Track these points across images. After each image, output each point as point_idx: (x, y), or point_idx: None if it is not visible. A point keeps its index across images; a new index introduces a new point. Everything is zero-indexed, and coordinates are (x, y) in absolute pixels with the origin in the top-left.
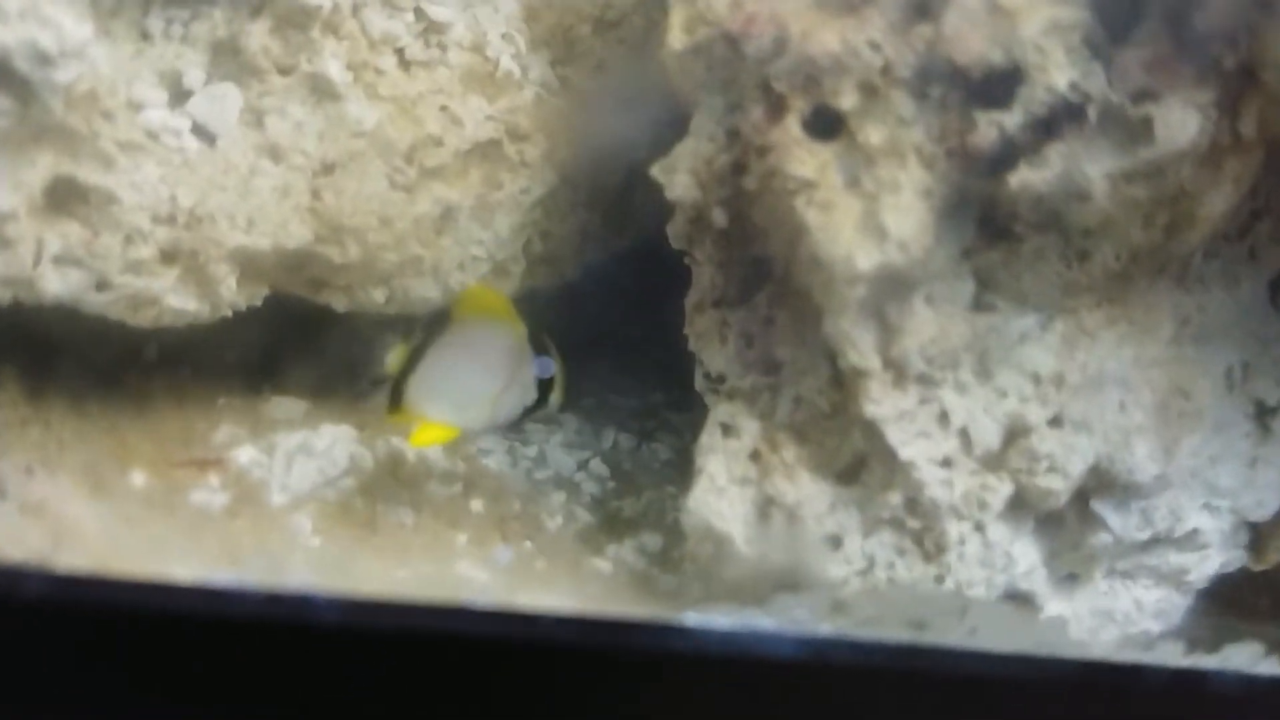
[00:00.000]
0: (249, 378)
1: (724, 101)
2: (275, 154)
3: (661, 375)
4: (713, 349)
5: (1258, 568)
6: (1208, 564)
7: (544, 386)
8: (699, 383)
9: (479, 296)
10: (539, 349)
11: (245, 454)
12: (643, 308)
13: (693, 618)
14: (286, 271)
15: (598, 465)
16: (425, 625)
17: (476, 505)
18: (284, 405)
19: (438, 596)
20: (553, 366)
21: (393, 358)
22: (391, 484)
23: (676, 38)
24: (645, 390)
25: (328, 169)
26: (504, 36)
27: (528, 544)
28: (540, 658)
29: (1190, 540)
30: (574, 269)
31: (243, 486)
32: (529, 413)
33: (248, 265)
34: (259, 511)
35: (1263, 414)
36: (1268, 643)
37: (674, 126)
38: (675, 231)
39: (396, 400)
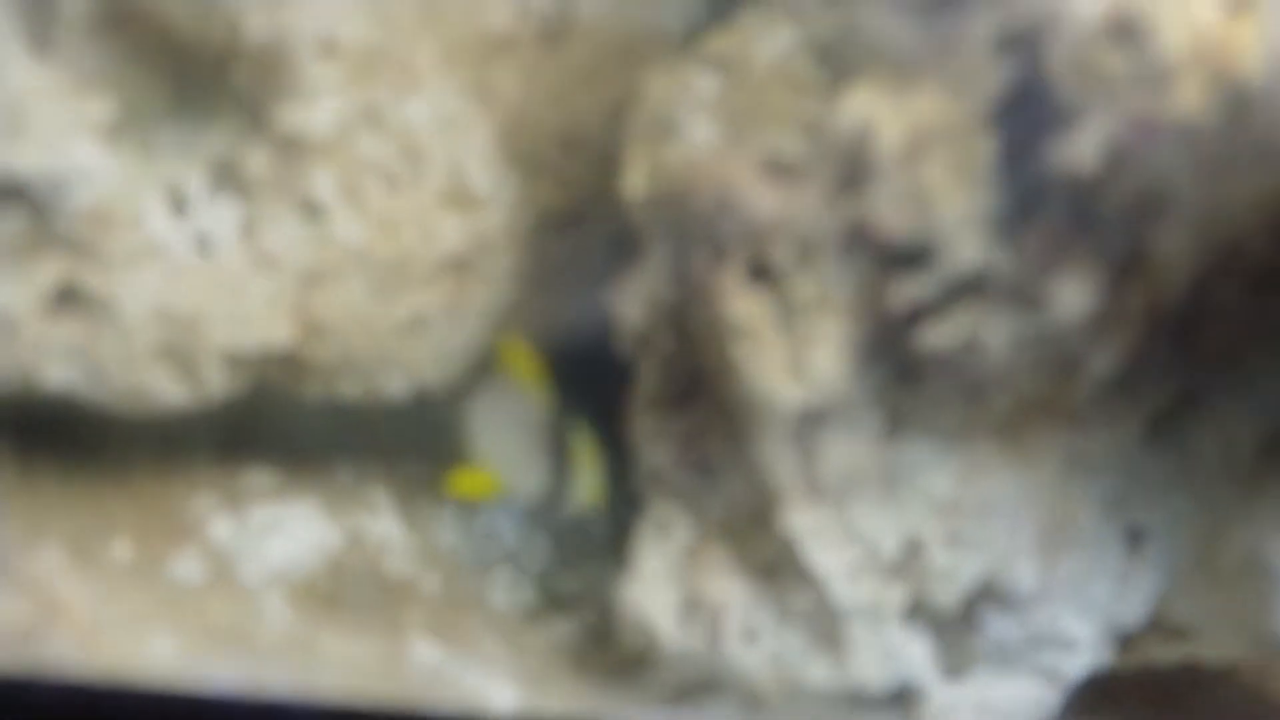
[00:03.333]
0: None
1: (673, 245)
2: (267, 263)
3: (611, 459)
4: (653, 447)
5: (1126, 668)
6: (1077, 663)
7: (561, 473)
8: (640, 477)
9: (516, 354)
10: (563, 427)
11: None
12: (599, 397)
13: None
14: (270, 366)
15: (540, 539)
16: None
17: (430, 581)
18: (256, 477)
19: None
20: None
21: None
22: (355, 560)
23: (633, 184)
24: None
25: (315, 277)
26: (478, 159)
27: (473, 619)
28: None
29: (1065, 644)
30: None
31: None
32: (550, 496)
33: (236, 362)
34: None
35: (1134, 537)
36: None
37: (629, 239)
38: (628, 342)
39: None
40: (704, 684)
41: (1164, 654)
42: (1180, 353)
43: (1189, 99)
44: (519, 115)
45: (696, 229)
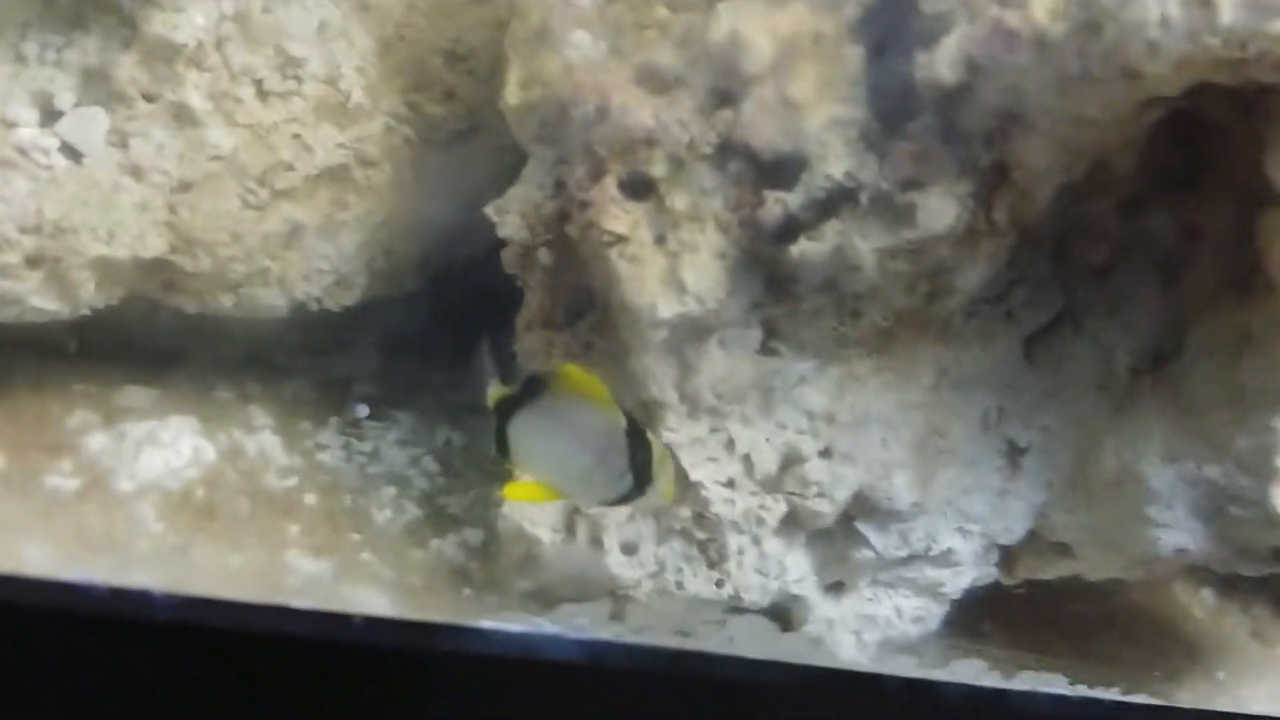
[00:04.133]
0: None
1: (552, 155)
2: (137, 173)
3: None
4: (539, 365)
5: (1009, 582)
6: (961, 579)
7: (639, 474)
8: None
9: (577, 376)
10: (635, 438)
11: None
12: (485, 314)
13: (487, 621)
14: (142, 277)
15: (429, 462)
16: (235, 622)
17: (310, 498)
18: (135, 394)
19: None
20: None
21: (492, 397)
22: (230, 475)
23: (513, 93)
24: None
25: (185, 187)
26: (357, 69)
27: (355, 536)
28: (346, 654)
29: (945, 558)
30: (416, 281)
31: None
32: (625, 499)
33: (106, 271)
34: (107, 497)
35: (1013, 452)
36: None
37: (516, 153)
38: (508, 259)
39: (503, 445)
40: (583, 595)
41: (1047, 570)
42: (1056, 272)
43: (1042, 10)
44: (402, 26)
45: (574, 140)
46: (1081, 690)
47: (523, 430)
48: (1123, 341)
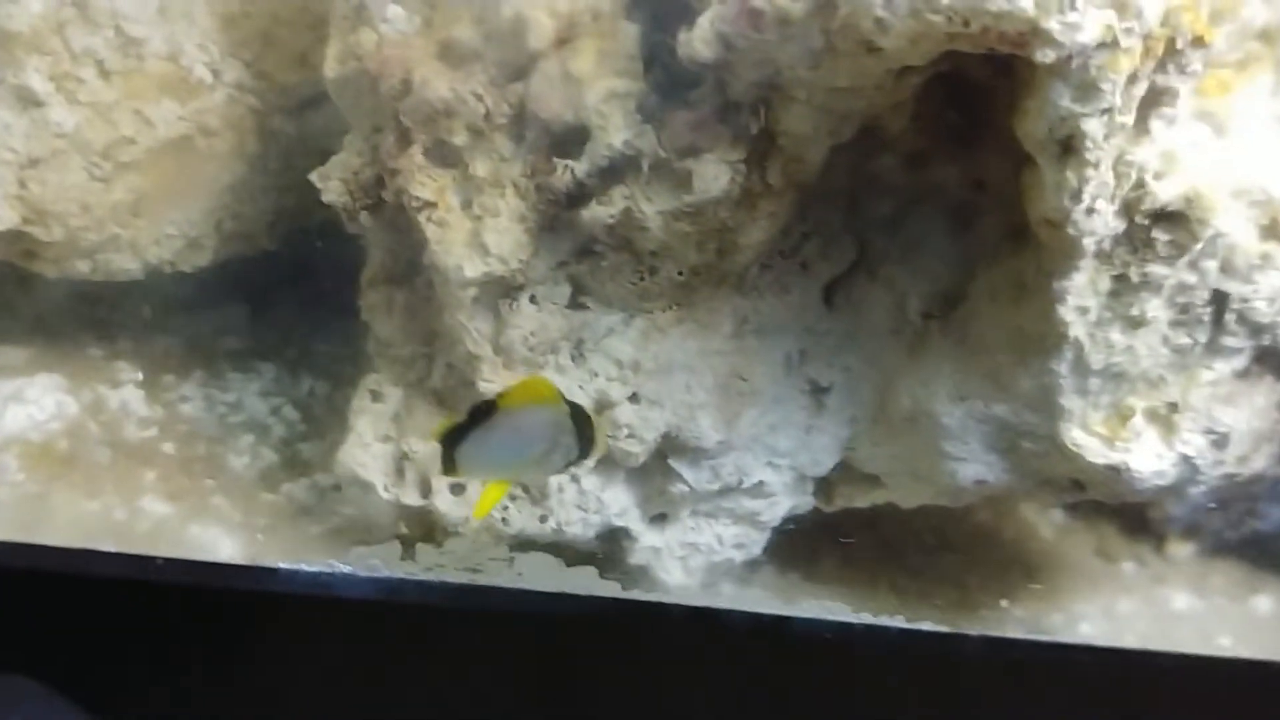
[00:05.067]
0: None
1: (369, 124)
2: None
3: (360, 330)
4: (381, 320)
5: (829, 510)
6: (777, 509)
7: (584, 445)
8: (370, 346)
9: (527, 386)
10: (578, 420)
11: None
12: (343, 270)
13: (284, 564)
14: (1, 246)
15: (289, 410)
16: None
17: (168, 447)
18: (6, 354)
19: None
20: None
21: (435, 431)
22: (92, 427)
23: (331, 66)
24: (344, 343)
25: (33, 163)
26: (198, 46)
27: (209, 482)
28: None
29: (758, 490)
30: (270, 241)
31: None
32: (571, 464)
33: None
34: None
35: (817, 391)
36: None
37: None
38: (347, 221)
39: (449, 464)
40: (421, 534)
41: (861, 499)
42: (849, 225)
43: None
44: (247, 1)
45: (384, 110)
46: (866, 618)
47: (470, 452)
48: (915, 287)
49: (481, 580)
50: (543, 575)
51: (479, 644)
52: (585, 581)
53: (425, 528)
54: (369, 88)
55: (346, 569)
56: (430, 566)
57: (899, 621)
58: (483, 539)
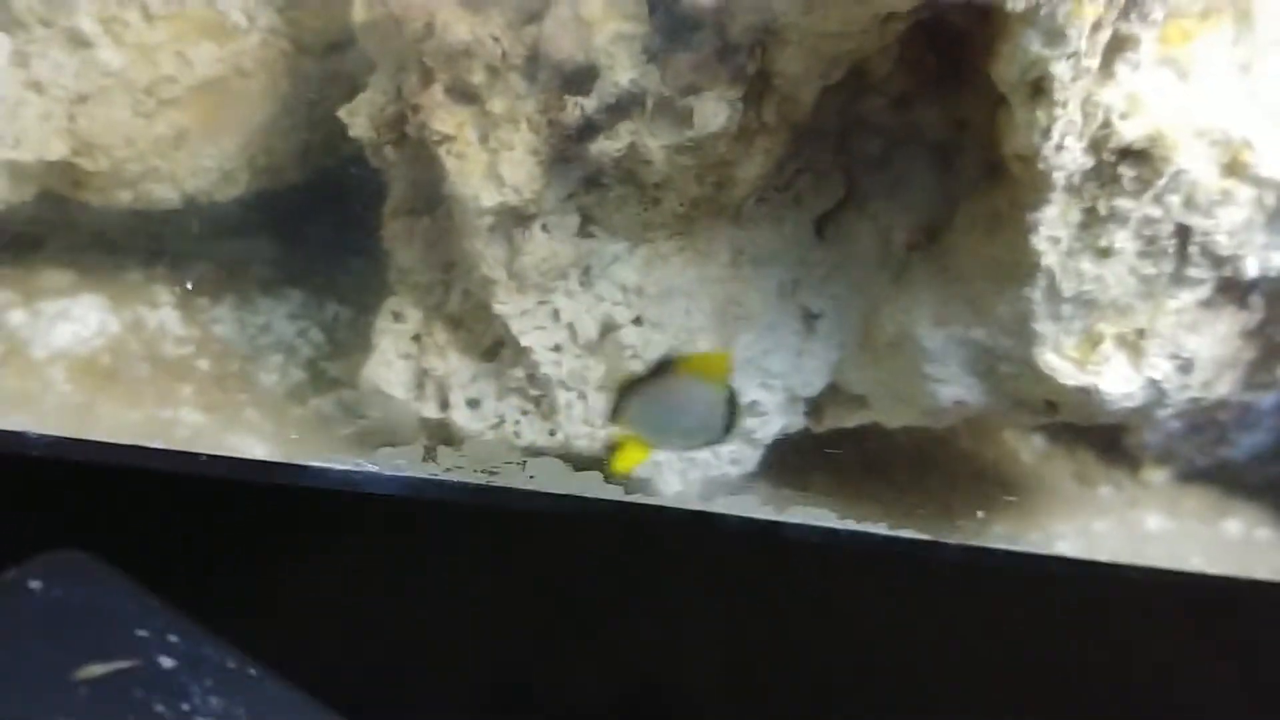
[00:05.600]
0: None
1: (393, 64)
2: (38, 88)
3: (382, 259)
4: (402, 249)
5: (818, 429)
6: (770, 427)
7: (726, 430)
8: (392, 275)
9: (705, 358)
10: (731, 405)
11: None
12: (367, 203)
13: (316, 462)
14: (50, 177)
15: (316, 333)
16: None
17: (204, 364)
18: (53, 277)
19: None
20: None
21: (618, 380)
22: (133, 343)
23: (359, 12)
24: (366, 270)
25: (81, 100)
26: None
27: (242, 396)
28: (196, 486)
29: (753, 409)
30: (299, 175)
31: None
32: (710, 444)
33: (15, 172)
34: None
35: (808, 318)
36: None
37: None
38: (370, 155)
39: (616, 415)
40: (437, 445)
41: (849, 420)
42: (839, 162)
43: None
44: None
45: (408, 52)
46: (850, 524)
47: (636, 406)
48: (899, 220)
49: (497, 482)
50: (552, 479)
51: (494, 540)
52: (590, 486)
53: (443, 438)
54: (394, 31)
55: (373, 467)
56: (450, 468)
57: (881, 528)
58: (468, 447)
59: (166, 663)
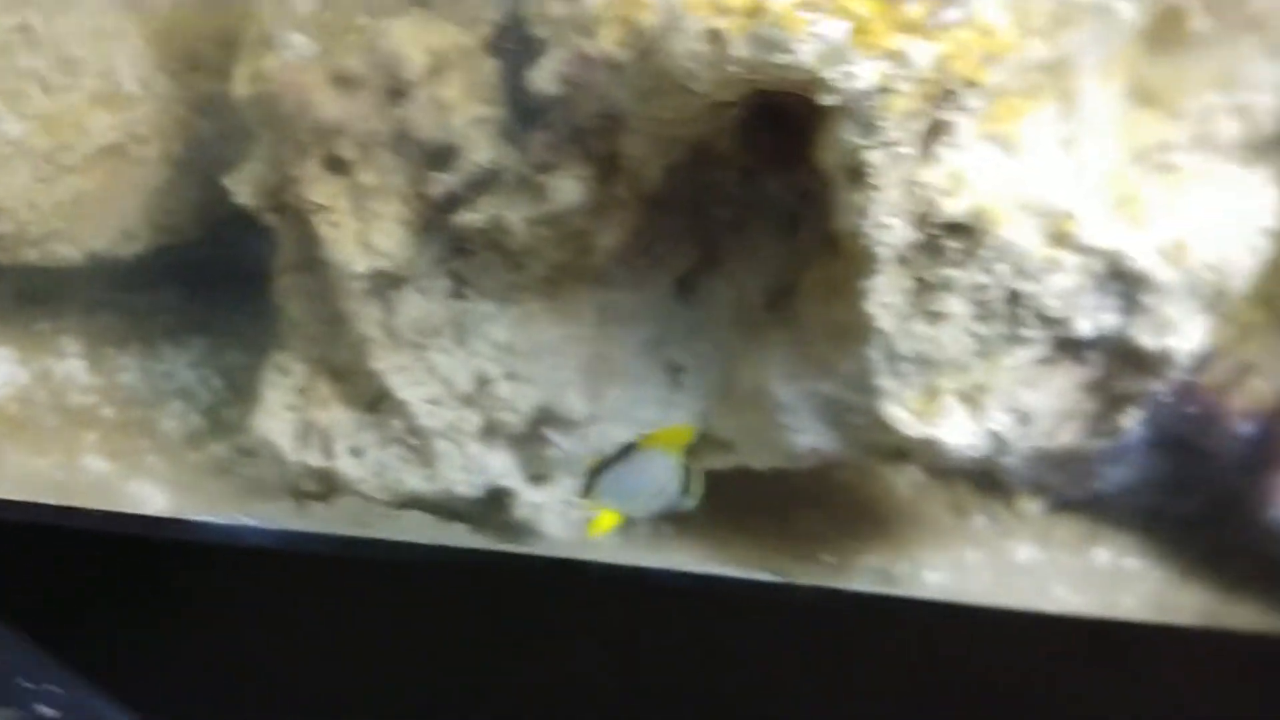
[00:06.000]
0: None
1: (273, 137)
2: None
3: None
4: (292, 303)
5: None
6: None
7: (685, 489)
8: (284, 327)
9: (667, 433)
10: (686, 469)
11: None
12: (264, 257)
13: (197, 515)
14: None
15: (215, 380)
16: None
17: (108, 412)
18: None
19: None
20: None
21: (589, 462)
22: (40, 393)
23: (240, 86)
24: (265, 320)
25: None
26: (129, 62)
27: (145, 442)
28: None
29: None
30: (199, 231)
31: None
32: (671, 508)
33: None
34: None
35: (674, 370)
36: None
37: None
38: (258, 219)
39: (587, 490)
40: (324, 492)
41: (721, 462)
42: (697, 227)
43: (610, 41)
44: (172, 22)
45: (285, 127)
46: (710, 568)
47: (604, 482)
48: (753, 282)
49: (368, 533)
50: (421, 529)
51: (367, 590)
52: (458, 536)
53: (328, 486)
54: (272, 106)
55: (250, 521)
56: (323, 521)
57: (732, 570)
58: (379, 497)
59: (47, 713)
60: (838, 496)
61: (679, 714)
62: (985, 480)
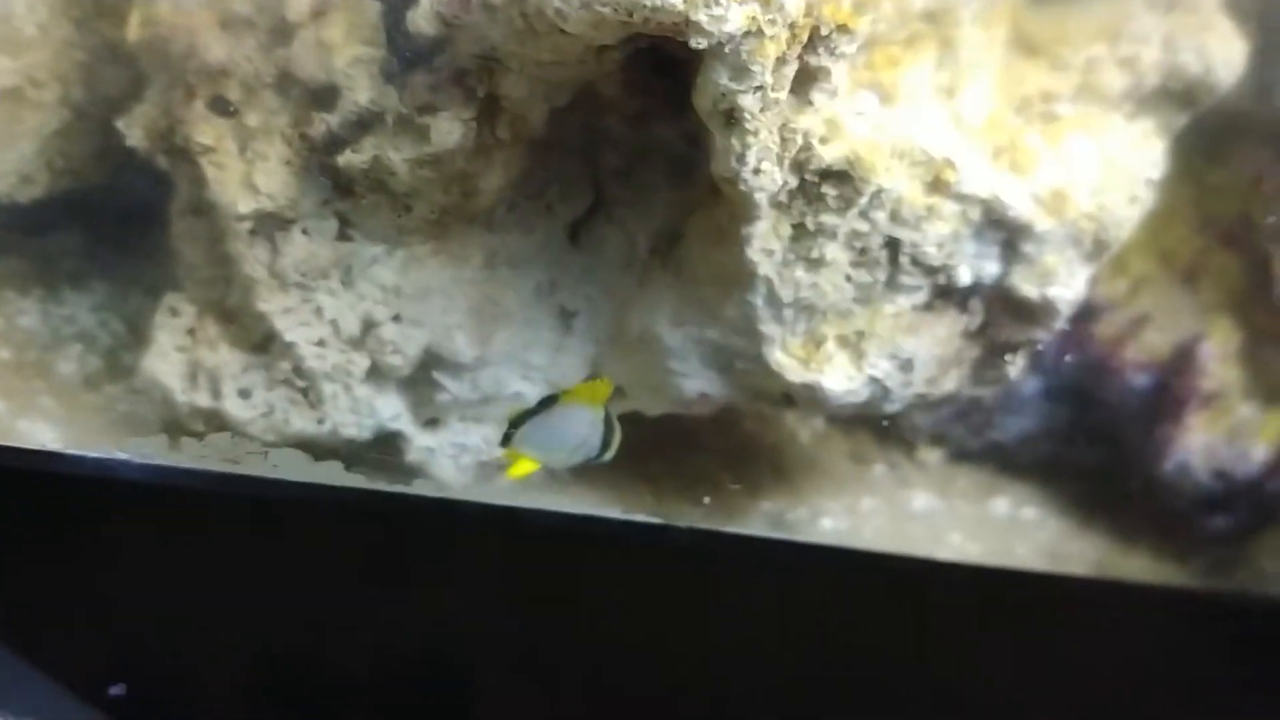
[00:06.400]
0: None
1: (164, 80)
2: None
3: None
4: (187, 247)
5: None
6: None
7: (605, 445)
8: (180, 271)
9: (587, 388)
10: (608, 423)
11: None
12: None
13: (73, 450)
14: None
15: (116, 324)
16: None
17: (4, 354)
18: None
19: None
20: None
21: (509, 412)
22: None
23: (134, 31)
24: (170, 263)
25: None
26: (29, 8)
27: (40, 383)
28: None
29: (516, 399)
30: (99, 176)
31: None
32: (590, 460)
33: None
34: None
35: (565, 315)
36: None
37: None
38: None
39: (507, 440)
40: (215, 429)
41: (613, 408)
42: (586, 174)
43: None
44: None
45: (174, 69)
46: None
47: (523, 434)
48: (643, 228)
49: (240, 470)
50: (294, 468)
51: (244, 526)
52: (332, 474)
53: (216, 426)
54: (162, 49)
55: (124, 455)
56: (197, 456)
57: (615, 513)
58: (267, 438)
59: None
60: (740, 444)
61: (559, 654)
62: (887, 429)
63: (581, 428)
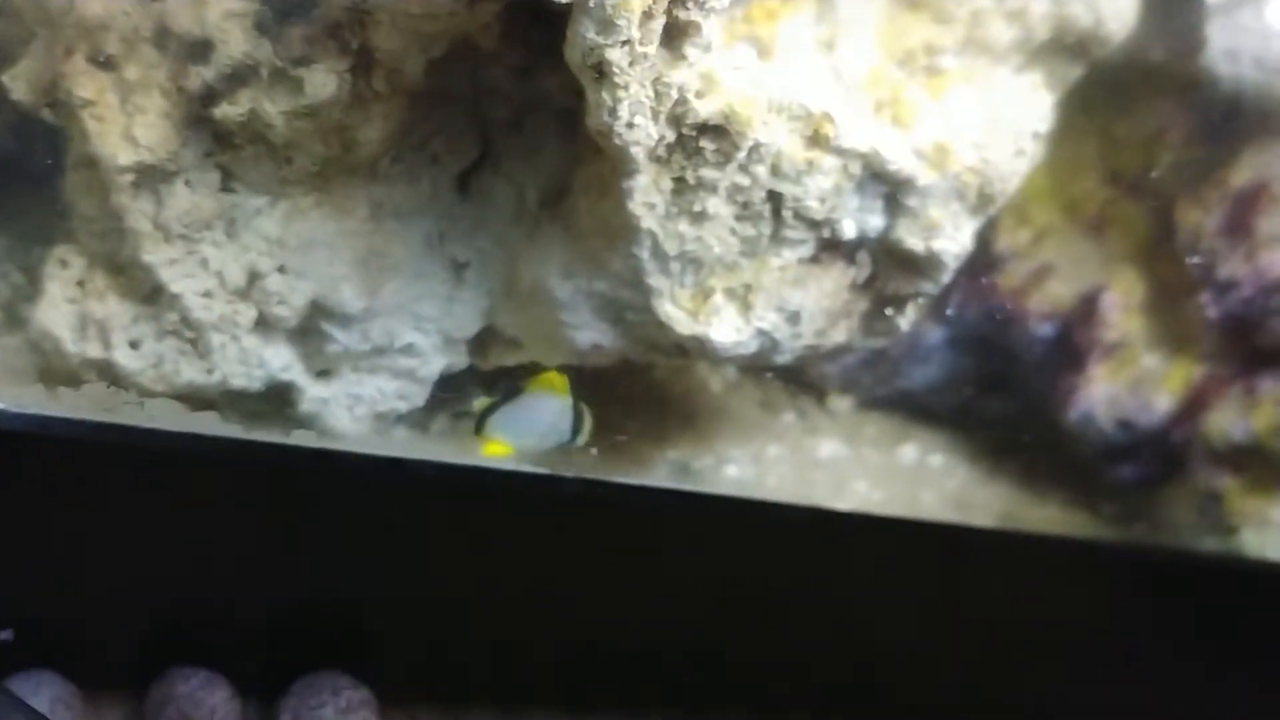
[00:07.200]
0: None
1: (46, 35)
2: None
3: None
4: (81, 198)
5: (484, 367)
6: (431, 366)
7: (576, 429)
8: (75, 223)
9: (550, 377)
10: (577, 410)
11: None
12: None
13: None
14: None
15: (16, 276)
16: None
17: None
18: None
19: None
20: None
21: (478, 403)
22: None
23: None
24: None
25: None
26: None
27: None
28: None
29: (409, 350)
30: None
31: None
32: (563, 445)
33: None
34: None
35: (457, 267)
36: None
37: None
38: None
39: (479, 428)
40: (108, 381)
41: (510, 359)
42: (473, 125)
43: None
44: None
45: (55, 24)
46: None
47: (495, 422)
48: (531, 180)
49: (115, 419)
50: (170, 418)
51: (123, 476)
52: (208, 424)
53: (108, 377)
54: (44, 5)
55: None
56: (73, 406)
57: (506, 465)
58: (157, 389)
59: None
60: (649, 392)
61: (451, 607)
62: (797, 378)
63: (550, 415)
